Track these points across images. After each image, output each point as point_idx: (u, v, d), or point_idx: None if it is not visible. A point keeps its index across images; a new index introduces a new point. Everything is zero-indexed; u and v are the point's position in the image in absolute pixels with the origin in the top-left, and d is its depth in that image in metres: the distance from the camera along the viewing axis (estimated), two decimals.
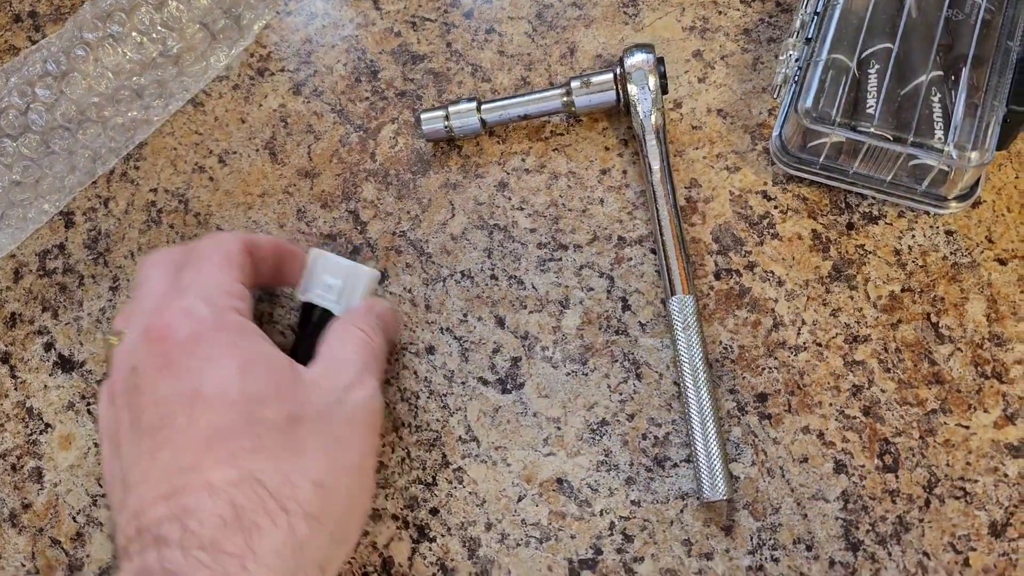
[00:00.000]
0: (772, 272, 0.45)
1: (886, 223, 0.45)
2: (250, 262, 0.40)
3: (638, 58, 0.46)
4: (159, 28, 0.44)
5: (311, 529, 0.34)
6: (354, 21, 0.53)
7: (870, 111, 0.43)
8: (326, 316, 0.42)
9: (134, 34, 0.43)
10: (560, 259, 0.47)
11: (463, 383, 0.45)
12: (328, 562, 0.35)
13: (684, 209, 0.47)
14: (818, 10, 0.45)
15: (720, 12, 0.50)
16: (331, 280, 0.42)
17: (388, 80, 0.52)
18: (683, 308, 0.43)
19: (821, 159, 0.44)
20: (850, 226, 0.46)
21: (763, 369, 0.44)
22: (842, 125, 0.42)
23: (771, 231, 0.46)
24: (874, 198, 0.46)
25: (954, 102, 0.42)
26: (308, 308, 0.42)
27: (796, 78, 0.44)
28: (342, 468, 0.36)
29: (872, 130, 0.42)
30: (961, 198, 0.43)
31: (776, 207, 0.46)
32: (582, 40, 0.51)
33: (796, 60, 0.44)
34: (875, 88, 0.43)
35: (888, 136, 0.42)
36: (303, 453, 0.34)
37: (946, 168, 0.41)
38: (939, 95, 0.43)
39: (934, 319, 0.44)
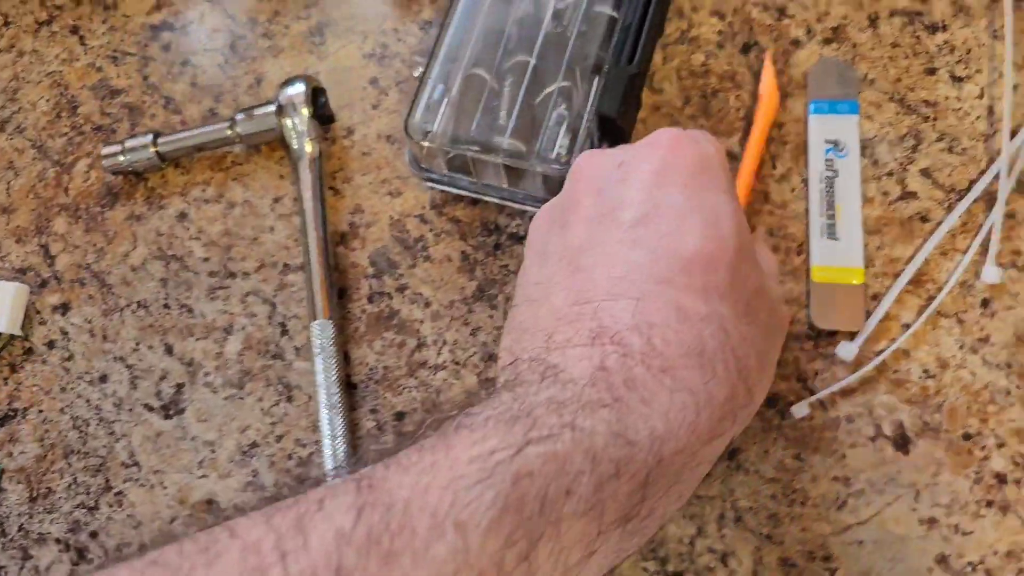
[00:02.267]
0: (421, 294, 0.47)
1: None
2: None
3: (290, 91, 0.48)
4: None
5: (744, 401, 0.29)
6: (59, 57, 0.55)
7: (501, 123, 0.44)
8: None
9: None
10: (229, 287, 0.49)
11: (130, 410, 0.47)
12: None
13: (347, 235, 0.49)
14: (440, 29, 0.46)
15: (399, 39, 0.52)
16: None
17: (87, 115, 0.53)
18: (322, 333, 0.45)
19: (444, 172, 0.45)
20: (497, 247, 0.47)
21: (403, 388, 0.46)
22: (457, 140, 0.43)
23: (424, 254, 0.48)
24: (521, 216, 0.47)
25: (565, 111, 0.44)
26: None
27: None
28: (770, 359, 0.33)
29: (469, 142, 0.43)
30: None
31: (431, 230, 0.48)
32: (270, 70, 0.53)
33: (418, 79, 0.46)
34: (507, 101, 0.45)
35: (488, 147, 0.43)
36: (756, 325, 0.31)
37: (545, 173, 0.43)
38: (564, 105, 0.44)
39: None
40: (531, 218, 0.46)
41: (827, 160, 0.46)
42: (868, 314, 0.44)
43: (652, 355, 0.28)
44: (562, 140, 0.43)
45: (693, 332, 0.28)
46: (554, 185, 0.44)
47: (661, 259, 0.30)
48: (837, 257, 0.44)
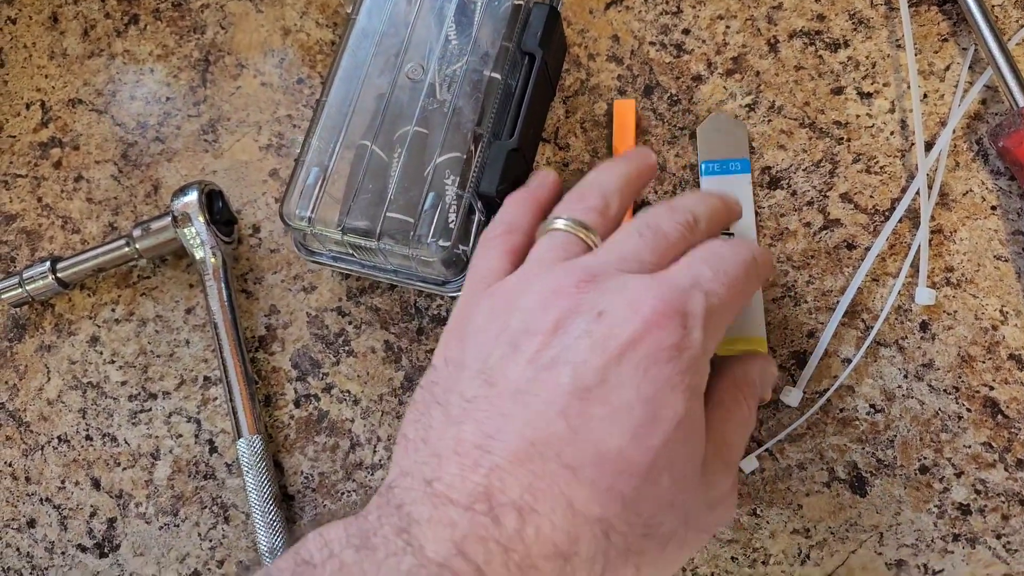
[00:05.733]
0: (348, 391, 0.45)
1: None
2: None
3: (184, 199, 0.46)
4: None
5: None
6: None
7: (391, 197, 0.42)
8: None
9: None
10: (150, 409, 0.47)
11: (63, 553, 0.45)
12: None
13: (264, 338, 0.47)
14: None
15: (295, 125, 0.50)
16: None
17: None
18: (249, 450, 0.43)
19: (331, 254, 0.43)
20: (420, 331, 0.45)
21: (342, 493, 0.44)
22: (338, 224, 0.41)
23: (346, 348, 0.46)
24: (432, 295, 0.45)
25: (455, 185, 0.42)
26: None
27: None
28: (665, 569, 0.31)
29: (349, 228, 0.41)
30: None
31: (351, 323, 0.46)
32: (166, 175, 0.51)
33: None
34: (396, 173, 0.42)
35: (369, 231, 0.41)
36: (653, 538, 0.30)
37: (427, 257, 0.41)
38: (453, 177, 0.42)
39: None
40: (453, 298, 0.44)
41: None
42: (807, 354, 0.42)
43: (516, 546, 0.27)
44: (451, 216, 0.41)
45: (571, 533, 0.27)
46: (446, 266, 0.42)
47: (579, 443, 0.28)
48: (737, 327, 0.43)
